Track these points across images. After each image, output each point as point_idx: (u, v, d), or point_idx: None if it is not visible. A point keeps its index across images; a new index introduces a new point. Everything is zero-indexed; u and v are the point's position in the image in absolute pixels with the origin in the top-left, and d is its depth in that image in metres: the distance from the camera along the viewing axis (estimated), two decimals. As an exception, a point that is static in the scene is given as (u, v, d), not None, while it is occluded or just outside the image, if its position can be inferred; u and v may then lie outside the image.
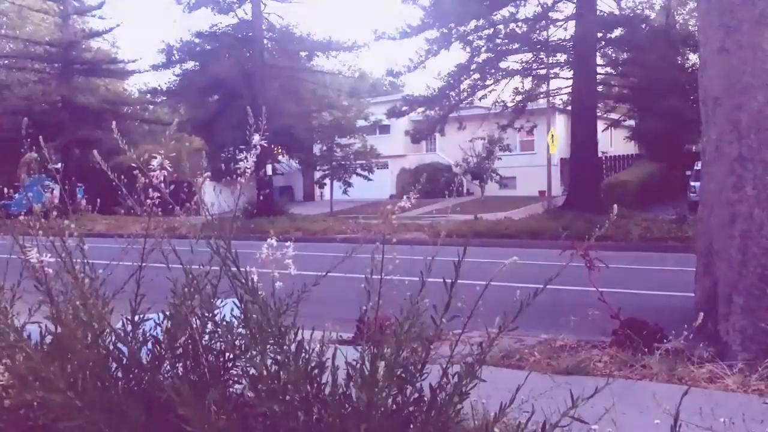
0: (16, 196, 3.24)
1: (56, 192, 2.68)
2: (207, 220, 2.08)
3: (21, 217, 2.25)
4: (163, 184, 2.10)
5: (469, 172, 30.31)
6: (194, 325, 2.06)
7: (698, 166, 17.96)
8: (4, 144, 23.21)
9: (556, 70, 24.28)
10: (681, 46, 22.69)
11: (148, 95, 31.73)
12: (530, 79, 24.66)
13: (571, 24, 22.67)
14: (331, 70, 32.59)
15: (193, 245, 2.11)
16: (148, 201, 2.16)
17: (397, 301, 2.00)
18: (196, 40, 28.29)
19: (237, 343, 2.00)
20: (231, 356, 2.08)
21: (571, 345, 5.41)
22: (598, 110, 24.67)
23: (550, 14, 22.93)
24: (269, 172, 26.38)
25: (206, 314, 2.05)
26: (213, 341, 2.09)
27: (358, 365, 1.88)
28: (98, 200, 3.73)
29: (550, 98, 25.49)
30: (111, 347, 2.09)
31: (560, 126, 29.81)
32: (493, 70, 23.57)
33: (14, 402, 2.09)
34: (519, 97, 24.73)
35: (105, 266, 2.35)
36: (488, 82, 23.95)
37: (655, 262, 12.31)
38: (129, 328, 2.11)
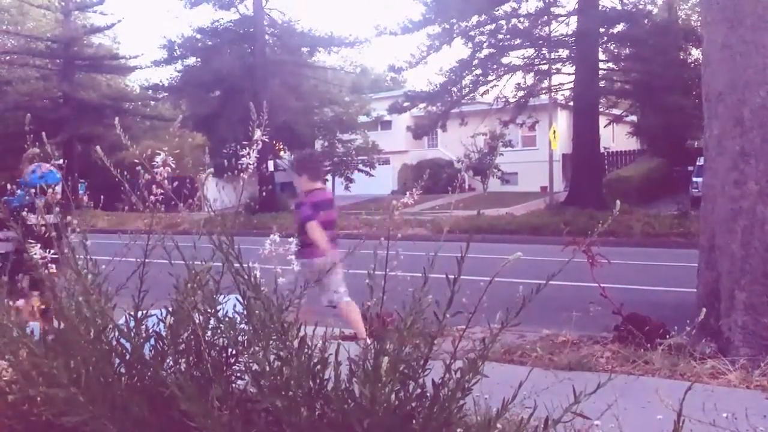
0: (19, 192, 3.25)
1: (58, 188, 2.68)
2: (209, 215, 2.08)
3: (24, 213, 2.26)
4: (166, 181, 2.10)
5: (471, 168, 30.26)
6: (197, 321, 2.06)
7: (701, 161, 17.94)
8: (7, 140, 23.22)
9: (558, 65, 24.20)
10: (683, 42, 22.55)
11: (150, 91, 31.61)
12: (532, 74, 24.55)
13: (573, 19, 22.60)
14: (332, 66, 32.51)
15: (196, 241, 2.11)
16: (152, 197, 2.16)
17: (400, 297, 2.00)
18: (198, 36, 28.26)
19: (240, 339, 2.00)
20: (234, 352, 2.08)
21: (573, 341, 5.41)
22: (600, 106, 24.61)
23: (552, 9, 22.87)
24: (271, 168, 26.36)
25: (209, 310, 2.05)
26: (216, 337, 2.09)
27: (361, 361, 1.88)
28: (101, 196, 3.73)
29: (552, 94, 25.40)
30: (114, 343, 2.09)
31: (562, 122, 29.73)
32: (495, 66, 23.50)
33: (18, 397, 2.10)
34: (521, 93, 24.63)
35: (108, 262, 2.35)
36: (490, 78, 23.88)
37: (657, 258, 12.30)
38: (132, 323, 2.12)
